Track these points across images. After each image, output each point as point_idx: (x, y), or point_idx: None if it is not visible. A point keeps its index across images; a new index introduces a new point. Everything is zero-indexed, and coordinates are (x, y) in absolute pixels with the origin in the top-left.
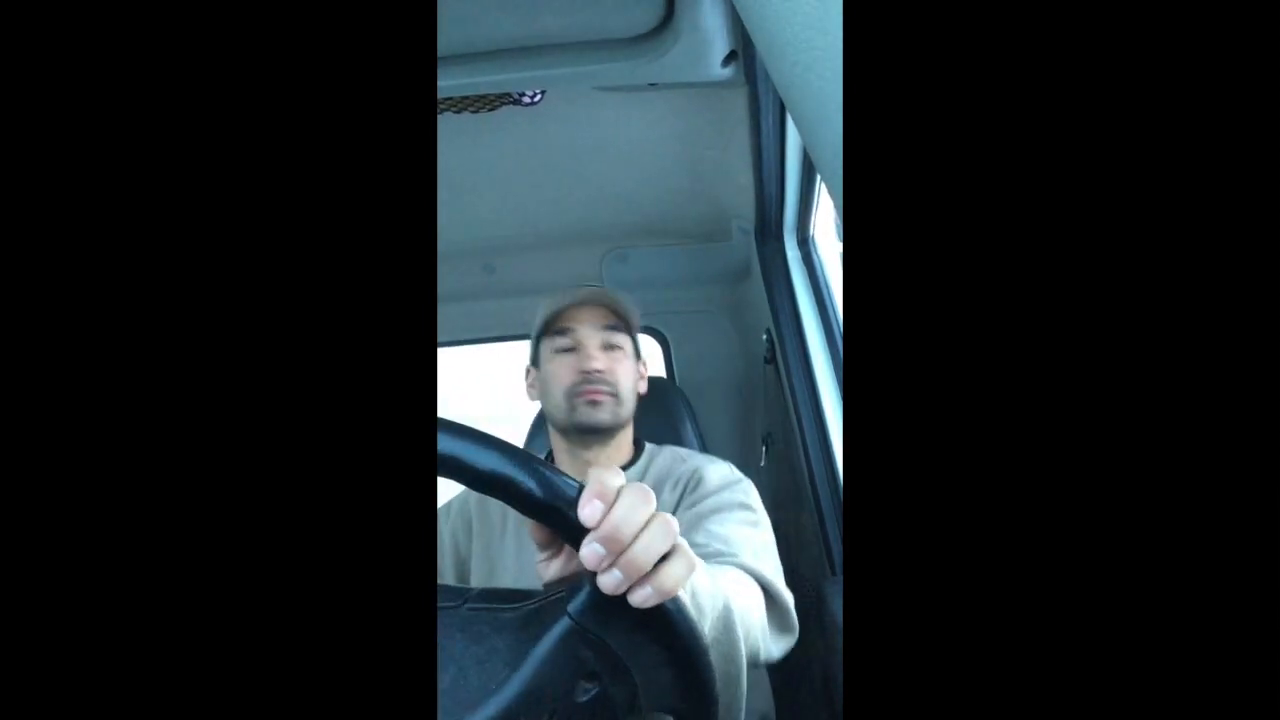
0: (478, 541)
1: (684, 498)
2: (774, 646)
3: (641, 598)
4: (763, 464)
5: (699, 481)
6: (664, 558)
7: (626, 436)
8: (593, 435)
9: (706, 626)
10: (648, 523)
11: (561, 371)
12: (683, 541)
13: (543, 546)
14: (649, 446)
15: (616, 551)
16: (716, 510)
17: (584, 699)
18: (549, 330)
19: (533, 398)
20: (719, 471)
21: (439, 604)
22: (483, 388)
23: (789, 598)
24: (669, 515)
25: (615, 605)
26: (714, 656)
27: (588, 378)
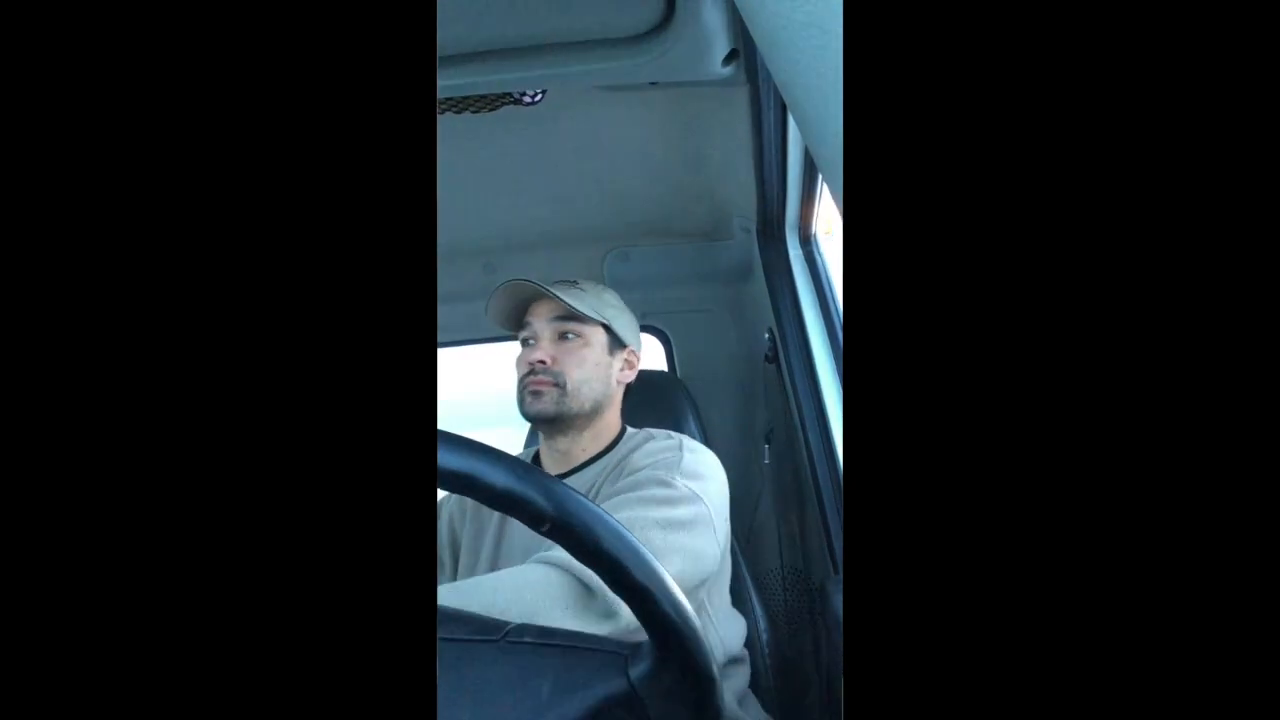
0: (470, 526)
1: (608, 486)
2: (575, 621)
3: None
4: (766, 461)
5: (629, 468)
6: None
7: (603, 427)
8: (544, 425)
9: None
10: None
11: (518, 365)
12: None
13: None
14: (628, 434)
15: None
16: (621, 494)
17: None
18: (518, 325)
19: None
20: (649, 452)
21: (475, 637)
22: (483, 388)
23: (594, 582)
24: None
25: (673, 678)
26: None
27: (532, 369)
